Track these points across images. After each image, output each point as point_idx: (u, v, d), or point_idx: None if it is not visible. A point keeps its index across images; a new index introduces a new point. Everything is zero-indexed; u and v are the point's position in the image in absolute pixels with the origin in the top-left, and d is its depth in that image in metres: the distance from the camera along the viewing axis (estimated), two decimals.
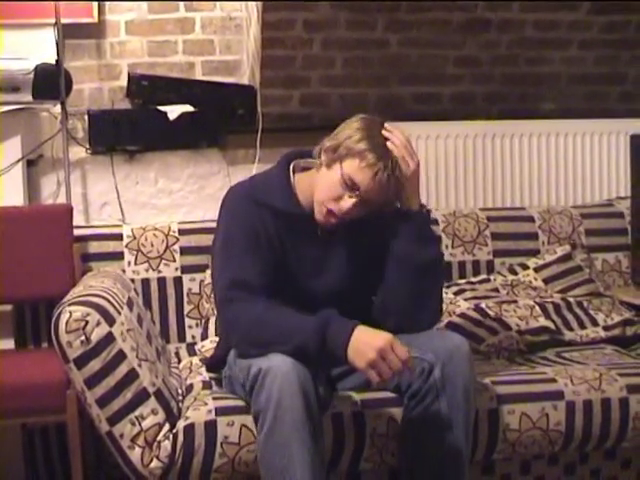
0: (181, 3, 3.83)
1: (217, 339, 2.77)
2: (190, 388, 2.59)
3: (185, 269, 3.13)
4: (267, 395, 2.14)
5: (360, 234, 2.48)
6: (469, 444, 2.33)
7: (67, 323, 2.28)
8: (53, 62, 3.43)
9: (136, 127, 3.68)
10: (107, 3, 3.76)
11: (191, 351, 3.01)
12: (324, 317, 2.23)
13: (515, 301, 3.10)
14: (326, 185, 2.37)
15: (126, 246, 3.14)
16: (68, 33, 3.61)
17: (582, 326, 3.08)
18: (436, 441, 2.29)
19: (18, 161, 3.49)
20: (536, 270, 3.30)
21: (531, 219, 3.45)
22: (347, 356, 2.17)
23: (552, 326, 3.02)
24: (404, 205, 2.40)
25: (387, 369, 2.14)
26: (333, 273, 2.49)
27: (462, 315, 3.04)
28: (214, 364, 2.63)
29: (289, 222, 2.44)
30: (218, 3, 3.86)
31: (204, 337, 3.04)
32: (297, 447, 2.11)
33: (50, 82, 3.41)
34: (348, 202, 2.33)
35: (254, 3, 3.57)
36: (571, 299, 3.16)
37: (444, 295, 3.09)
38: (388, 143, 2.33)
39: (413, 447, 2.35)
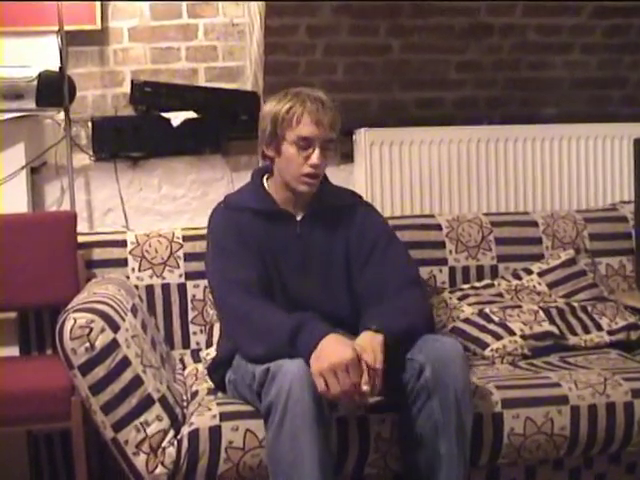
0: (184, 10, 3.84)
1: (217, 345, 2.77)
2: (195, 394, 2.59)
3: (189, 275, 3.13)
4: (278, 388, 2.16)
5: (339, 230, 2.59)
6: (465, 447, 2.32)
7: (71, 330, 2.29)
8: (56, 69, 3.44)
9: (139, 134, 3.69)
10: (110, 10, 3.77)
11: (196, 357, 3.02)
12: (298, 321, 2.28)
13: (519, 306, 3.10)
14: (289, 164, 2.52)
15: (130, 252, 3.14)
16: (71, 40, 3.62)
17: (586, 331, 3.07)
18: (428, 442, 2.29)
19: (22, 168, 3.50)
20: (540, 275, 3.30)
21: (535, 224, 3.45)
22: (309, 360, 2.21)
23: (556, 331, 3.02)
24: None
25: (335, 384, 2.16)
26: (315, 270, 2.57)
27: (466, 320, 3.04)
28: (214, 370, 2.63)
29: (270, 222, 2.57)
30: (221, 9, 3.87)
31: (209, 344, 3.04)
32: (307, 440, 2.12)
33: (53, 89, 3.42)
34: (315, 155, 2.48)
35: (257, 9, 3.57)
36: (575, 304, 3.16)
37: (448, 300, 3.10)
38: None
39: (408, 448, 2.36)
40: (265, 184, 2.64)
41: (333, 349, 2.19)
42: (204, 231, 3.19)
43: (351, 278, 2.59)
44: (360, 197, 2.79)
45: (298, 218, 2.60)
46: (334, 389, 2.16)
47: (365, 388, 2.18)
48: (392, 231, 2.72)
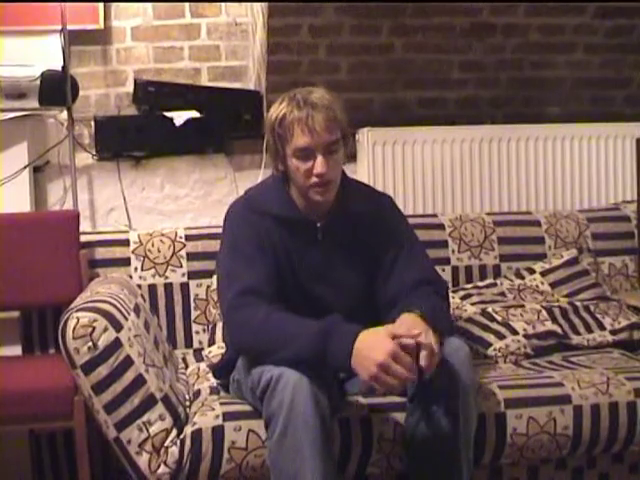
0: (187, 9, 3.84)
1: (224, 345, 2.76)
2: (198, 394, 2.59)
3: (192, 275, 3.14)
4: (279, 400, 2.14)
5: (360, 235, 2.52)
6: (470, 448, 2.32)
7: (74, 329, 2.29)
8: (59, 68, 3.45)
9: (142, 133, 3.69)
10: (113, 9, 3.77)
11: (198, 357, 3.02)
12: (326, 325, 2.22)
13: (522, 305, 3.10)
14: (296, 176, 2.42)
15: (133, 252, 3.14)
16: (74, 39, 3.63)
17: (589, 330, 3.07)
18: (434, 444, 2.28)
19: (25, 167, 3.50)
20: (543, 274, 3.30)
21: (537, 223, 3.45)
22: (351, 366, 2.15)
23: (559, 330, 3.02)
24: None
25: (390, 380, 2.12)
26: (336, 276, 2.51)
27: (469, 319, 3.04)
28: (220, 370, 2.62)
29: (290, 228, 2.48)
30: (224, 9, 3.87)
31: (211, 343, 3.04)
32: (309, 451, 2.11)
33: (56, 88, 3.42)
34: (318, 164, 2.36)
35: (259, 9, 3.58)
36: (578, 303, 3.16)
37: (451, 300, 3.10)
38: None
39: (413, 450, 2.35)
40: (288, 184, 2.53)
41: (371, 347, 2.13)
42: (207, 230, 3.21)
43: (372, 284, 2.52)
44: (381, 195, 2.73)
45: (319, 224, 2.50)
46: (389, 383, 2.12)
47: (424, 363, 2.13)
48: (414, 234, 2.65)
